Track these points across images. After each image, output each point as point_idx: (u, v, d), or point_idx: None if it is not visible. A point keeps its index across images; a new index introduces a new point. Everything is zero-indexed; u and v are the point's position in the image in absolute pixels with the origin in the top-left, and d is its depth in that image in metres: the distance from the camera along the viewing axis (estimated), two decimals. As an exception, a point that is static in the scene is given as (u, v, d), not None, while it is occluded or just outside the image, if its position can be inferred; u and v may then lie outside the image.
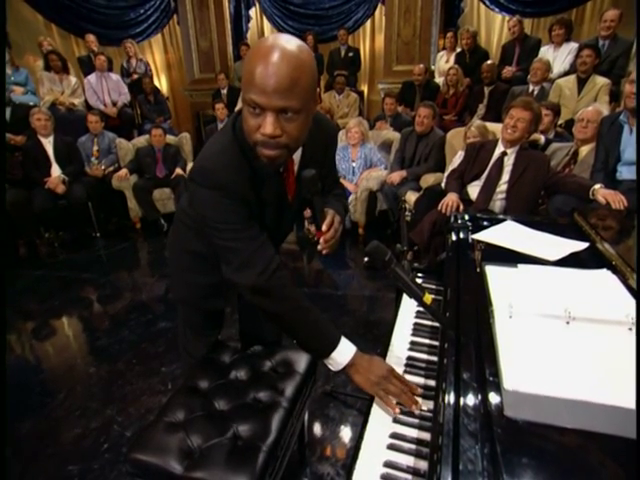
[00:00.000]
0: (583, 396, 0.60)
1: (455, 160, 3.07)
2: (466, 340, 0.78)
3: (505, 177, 2.30)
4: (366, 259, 3.17)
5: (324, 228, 1.01)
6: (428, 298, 0.83)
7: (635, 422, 0.55)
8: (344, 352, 0.94)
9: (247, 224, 0.92)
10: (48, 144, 3.76)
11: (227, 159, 0.89)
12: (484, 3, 5.27)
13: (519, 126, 2.22)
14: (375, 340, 2.24)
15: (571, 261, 1.06)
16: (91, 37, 5.37)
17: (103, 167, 4.06)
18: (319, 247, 1.05)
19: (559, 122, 3.09)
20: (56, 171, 3.75)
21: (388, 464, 0.72)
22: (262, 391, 1.20)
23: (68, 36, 6.24)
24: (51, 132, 3.76)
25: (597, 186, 2.05)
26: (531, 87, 3.69)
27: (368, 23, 6.23)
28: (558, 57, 3.99)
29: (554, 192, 2.22)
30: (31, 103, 4.43)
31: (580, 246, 1.14)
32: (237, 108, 4.74)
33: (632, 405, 0.57)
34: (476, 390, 0.65)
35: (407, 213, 1.32)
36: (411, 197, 3.26)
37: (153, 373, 2.04)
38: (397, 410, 0.84)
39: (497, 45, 5.37)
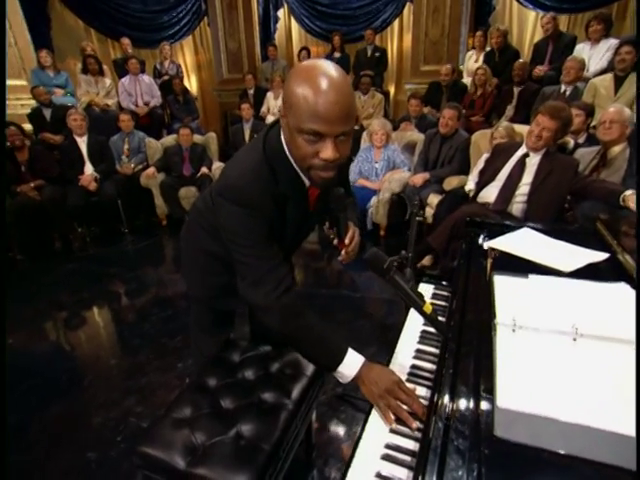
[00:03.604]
0: (582, 420, 0.57)
1: (480, 162, 3.00)
2: (466, 352, 0.76)
3: (527, 179, 2.22)
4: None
5: (347, 241, 1.07)
6: (428, 307, 0.81)
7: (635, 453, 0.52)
8: (350, 365, 0.94)
9: (266, 243, 0.95)
10: (82, 143, 3.94)
11: (256, 178, 0.92)
12: (517, 0, 5.10)
13: (544, 135, 2.15)
14: (389, 344, 2.22)
15: (588, 273, 1.01)
16: (126, 40, 5.59)
17: (133, 165, 4.21)
18: (340, 258, 1.11)
19: (592, 123, 2.94)
20: (89, 169, 3.93)
21: (379, 475, 0.71)
22: (268, 392, 1.21)
23: (105, 40, 6.50)
24: (85, 132, 3.94)
25: (628, 192, 1.94)
26: (563, 87, 3.53)
27: (396, 23, 6.15)
28: (595, 55, 3.80)
29: (582, 198, 2.12)
30: (69, 104, 4.65)
31: (599, 257, 1.08)
32: (262, 111, 4.71)
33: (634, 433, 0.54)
34: (470, 406, 0.64)
35: (418, 218, 1.30)
36: (433, 200, 3.21)
37: (170, 368, 2.11)
38: (394, 425, 0.82)
39: (530, 43, 5.17)
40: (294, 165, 0.93)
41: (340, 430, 1.71)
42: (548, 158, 2.20)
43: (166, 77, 5.62)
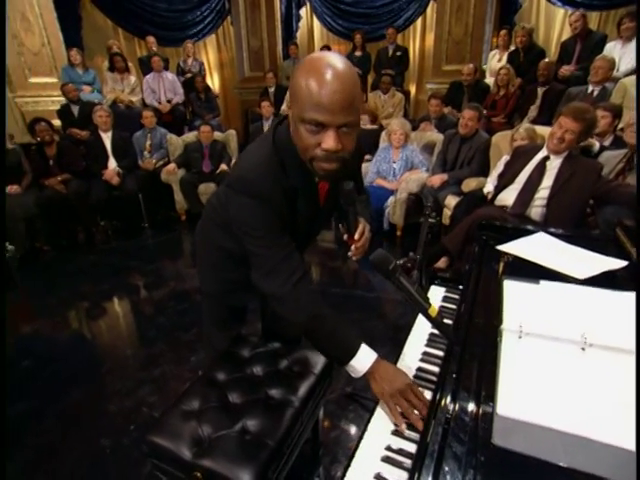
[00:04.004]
0: (583, 432, 0.55)
1: (500, 164, 2.94)
2: (470, 358, 0.76)
3: (547, 182, 2.16)
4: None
5: (357, 237, 1.07)
6: (434, 310, 0.80)
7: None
8: (363, 360, 0.94)
9: (278, 233, 0.96)
10: (107, 139, 4.06)
11: (266, 171, 0.93)
12: (545, -3, 4.96)
13: (566, 138, 2.08)
14: (402, 345, 2.21)
15: (603, 280, 0.98)
16: (151, 39, 5.71)
17: (154, 161, 4.31)
18: (350, 253, 1.11)
19: (620, 125, 2.82)
20: (112, 164, 4.04)
21: (378, 477, 0.71)
22: (275, 388, 1.22)
23: (132, 38, 6.66)
24: (110, 128, 4.05)
25: (655, 198, 1.87)
26: (590, 87, 3.41)
27: (419, 21, 6.07)
28: (626, 54, 3.65)
29: (605, 202, 2.05)
30: (96, 101, 4.78)
31: (616, 264, 1.05)
32: (283, 109, 4.73)
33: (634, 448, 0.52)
34: (470, 411, 0.63)
35: (430, 220, 1.28)
36: (451, 201, 3.17)
37: (183, 360, 2.15)
38: (403, 426, 0.81)
39: (557, 42, 5.02)
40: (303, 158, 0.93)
41: (348, 429, 1.71)
42: (570, 161, 2.14)
43: (189, 75, 5.72)
